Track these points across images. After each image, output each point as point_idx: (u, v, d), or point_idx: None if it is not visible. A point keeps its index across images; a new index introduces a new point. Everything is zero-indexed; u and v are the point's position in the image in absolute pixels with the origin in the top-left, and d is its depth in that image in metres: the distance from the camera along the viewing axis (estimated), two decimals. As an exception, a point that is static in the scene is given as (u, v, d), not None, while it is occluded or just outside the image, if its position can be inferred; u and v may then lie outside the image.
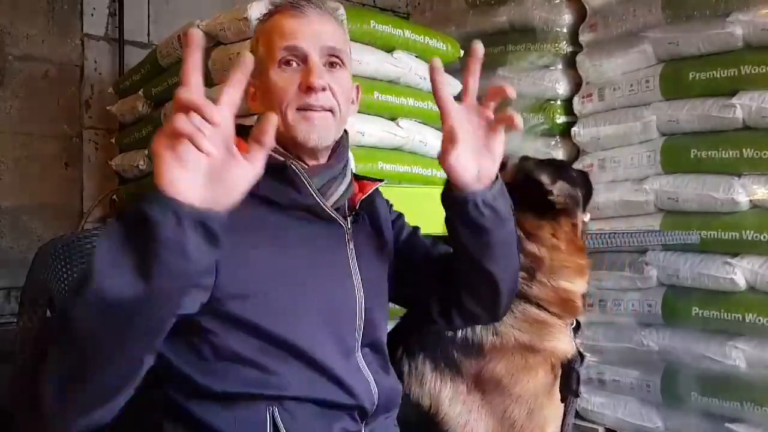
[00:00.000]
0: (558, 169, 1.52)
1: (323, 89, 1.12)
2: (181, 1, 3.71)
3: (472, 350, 1.47)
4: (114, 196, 3.57)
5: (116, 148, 3.53)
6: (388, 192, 1.42)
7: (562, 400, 1.51)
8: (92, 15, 3.55)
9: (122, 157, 3.42)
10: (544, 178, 1.47)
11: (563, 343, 1.51)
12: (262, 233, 1.10)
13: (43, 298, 1.78)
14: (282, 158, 1.13)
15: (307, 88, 1.11)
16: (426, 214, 2.60)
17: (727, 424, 2.62)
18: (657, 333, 2.82)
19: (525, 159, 1.49)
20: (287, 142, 1.14)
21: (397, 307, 1.41)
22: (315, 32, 1.14)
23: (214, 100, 0.85)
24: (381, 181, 1.30)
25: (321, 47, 1.14)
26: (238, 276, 1.05)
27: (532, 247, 1.47)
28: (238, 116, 0.88)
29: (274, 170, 1.08)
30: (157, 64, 3.02)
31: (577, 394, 1.49)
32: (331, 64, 1.15)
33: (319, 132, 1.13)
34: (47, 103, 3.44)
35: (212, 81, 2.63)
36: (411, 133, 2.78)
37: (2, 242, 3.30)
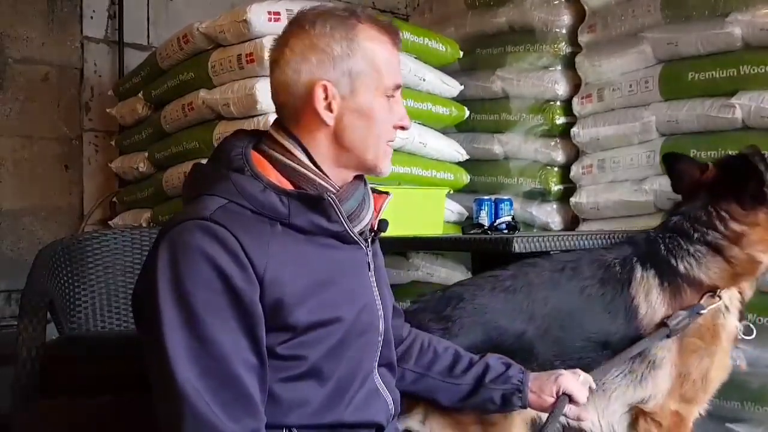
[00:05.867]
0: None
1: None
2: (181, 3, 3.72)
3: (695, 282, 1.70)
4: (114, 199, 3.58)
5: (116, 151, 3.53)
6: (388, 193, 1.42)
7: None
8: (92, 17, 3.56)
9: (122, 159, 3.42)
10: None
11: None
12: (304, 265, 1.10)
13: (43, 300, 1.78)
14: (317, 190, 1.13)
15: (401, 128, 1.22)
16: (425, 215, 2.60)
17: (727, 424, 2.62)
18: (657, 333, 2.81)
19: (757, 154, 1.71)
20: (360, 164, 1.19)
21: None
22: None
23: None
24: (388, 194, 1.30)
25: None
26: (291, 312, 1.07)
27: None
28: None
29: (308, 201, 1.11)
30: (156, 67, 3.03)
31: None
32: None
33: (391, 164, 1.23)
34: (47, 105, 3.44)
35: (212, 83, 2.63)
36: (410, 134, 2.78)
37: (2, 245, 3.30)
